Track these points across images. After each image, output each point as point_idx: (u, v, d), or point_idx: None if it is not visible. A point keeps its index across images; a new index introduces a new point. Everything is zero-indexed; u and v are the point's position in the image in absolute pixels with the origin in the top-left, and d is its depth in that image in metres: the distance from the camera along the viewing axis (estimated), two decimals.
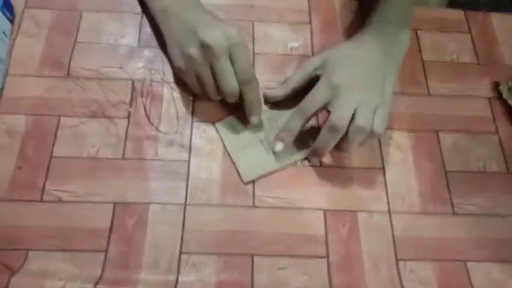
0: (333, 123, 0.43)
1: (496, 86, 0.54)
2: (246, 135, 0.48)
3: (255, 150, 0.47)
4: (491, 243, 0.45)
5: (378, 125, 0.43)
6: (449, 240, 0.45)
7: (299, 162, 0.48)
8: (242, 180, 0.46)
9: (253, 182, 0.46)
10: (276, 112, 0.50)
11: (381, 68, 0.46)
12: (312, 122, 0.49)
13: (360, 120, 0.43)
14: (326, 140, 0.44)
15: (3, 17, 0.49)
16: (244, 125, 0.48)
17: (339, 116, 0.43)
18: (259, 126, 0.48)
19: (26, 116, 0.48)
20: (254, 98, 0.46)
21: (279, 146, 0.46)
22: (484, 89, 0.54)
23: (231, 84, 0.44)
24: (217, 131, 0.48)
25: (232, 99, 0.46)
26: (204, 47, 0.43)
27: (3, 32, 0.49)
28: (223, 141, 0.48)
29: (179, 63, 0.46)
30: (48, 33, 0.52)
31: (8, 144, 0.46)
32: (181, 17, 0.47)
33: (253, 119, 0.47)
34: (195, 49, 0.44)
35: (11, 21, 0.51)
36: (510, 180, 0.49)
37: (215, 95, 0.46)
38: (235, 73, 0.44)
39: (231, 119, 0.49)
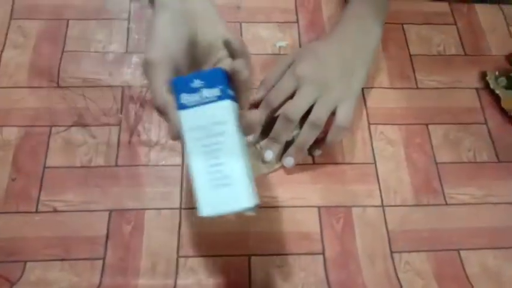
0: (286, 113, 0.43)
1: (483, 76, 0.54)
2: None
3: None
4: (484, 231, 0.46)
5: (342, 119, 0.44)
6: (442, 230, 0.46)
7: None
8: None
9: None
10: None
11: (349, 63, 0.47)
12: None
13: (313, 115, 0.43)
14: (280, 131, 0.44)
15: None
16: None
17: (294, 106, 0.43)
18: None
19: (17, 128, 0.48)
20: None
21: (269, 154, 0.45)
22: (472, 80, 0.54)
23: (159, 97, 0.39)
24: None
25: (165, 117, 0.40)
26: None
27: None
28: None
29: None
30: (35, 43, 0.52)
31: (1, 156, 0.46)
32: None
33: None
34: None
35: None
36: (501, 169, 0.49)
37: None
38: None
39: None
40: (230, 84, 0.32)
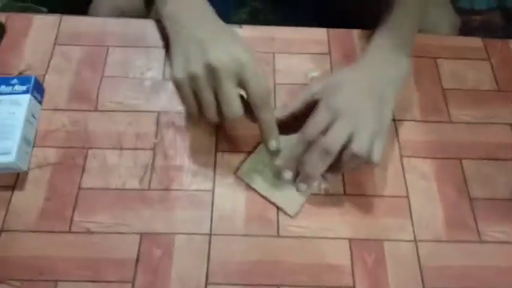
0: (325, 146, 0.42)
1: None
2: (271, 174, 0.48)
3: (286, 184, 0.47)
4: None
5: (377, 155, 0.43)
6: (476, 268, 0.45)
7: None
8: (289, 215, 0.46)
9: (277, 211, 0.47)
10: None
11: (380, 93, 0.46)
12: None
13: (355, 146, 0.42)
14: (317, 163, 0.43)
15: (34, 100, 0.50)
16: (263, 164, 0.49)
17: (333, 139, 0.43)
18: (277, 152, 0.47)
19: (55, 149, 0.49)
20: (269, 122, 0.44)
21: (288, 174, 0.45)
22: (506, 115, 0.54)
23: (234, 109, 0.42)
24: (242, 180, 0.48)
25: (231, 125, 0.44)
26: (210, 68, 0.41)
27: (33, 115, 0.50)
28: (252, 187, 0.48)
29: (179, 75, 0.43)
30: (77, 68, 0.55)
31: (38, 176, 0.48)
32: (191, 29, 0.45)
33: (272, 144, 0.45)
34: (200, 68, 0.42)
35: (41, 103, 0.52)
36: None
37: (214, 117, 0.44)
38: (248, 96, 0.43)
39: (249, 163, 0.49)
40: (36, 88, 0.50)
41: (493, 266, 0.45)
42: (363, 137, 0.43)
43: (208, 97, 0.42)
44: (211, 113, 0.43)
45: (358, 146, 0.42)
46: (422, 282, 0.44)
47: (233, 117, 0.43)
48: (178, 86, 0.44)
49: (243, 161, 0.49)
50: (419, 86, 0.55)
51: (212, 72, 0.41)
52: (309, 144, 0.44)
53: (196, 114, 0.45)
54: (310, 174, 0.44)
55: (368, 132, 0.43)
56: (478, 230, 0.47)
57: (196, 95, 0.43)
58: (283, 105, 0.49)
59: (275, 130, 0.45)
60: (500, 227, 0.47)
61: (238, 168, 0.48)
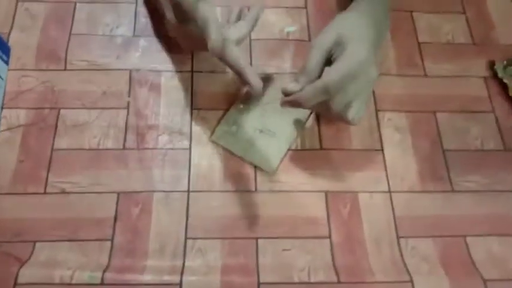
0: (327, 86, 0.40)
1: (491, 65, 0.54)
2: (246, 134, 0.48)
3: (262, 142, 0.48)
4: (490, 218, 0.46)
5: (356, 114, 0.43)
6: (448, 217, 0.46)
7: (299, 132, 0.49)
8: (268, 173, 0.46)
9: (254, 167, 0.47)
10: (265, 99, 0.50)
11: (375, 44, 0.45)
12: None
13: (352, 114, 0.42)
14: (312, 97, 0.42)
15: None
16: (237, 125, 0.48)
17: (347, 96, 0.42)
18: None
19: (25, 110, 0.48)
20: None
21: (293, 85, 0.43)
22: (480, 68, 0.54)
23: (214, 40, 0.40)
24: (218, 143, 0.48)
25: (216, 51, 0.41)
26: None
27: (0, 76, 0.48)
28: (228, 150, 0.47)
29: (172, 14, 0.45)
30: (43, 26, 0.52)
31: (10, 138, 0.46)
32: None
33: (255, 82, 0.43)
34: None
35: (7, 63, 0.49)
36: (507, 157, 0.50)
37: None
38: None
39: (222, 126, 0.48)
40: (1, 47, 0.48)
41: (465, 215, 0.46)
42: (362, 100, 0.43)
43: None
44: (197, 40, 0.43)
45: (354, 112, 0.42)
46: (396, 231, 0.45)
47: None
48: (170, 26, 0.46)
49: (219, 119, 0.49)
50: (395, 40, 0.55)
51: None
52: (324, 93, 0.41)
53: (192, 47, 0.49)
54: (302, 103, 0.42)
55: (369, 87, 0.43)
56: (450, 181, 0.48)
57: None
58: (301, 72, 0.43)
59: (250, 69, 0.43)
60: (472, 177, 0.48)
61: (212, 132, 0.48)
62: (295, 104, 0.43)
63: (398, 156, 0.49)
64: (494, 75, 0.54)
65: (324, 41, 0.43)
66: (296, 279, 0.42)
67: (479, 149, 0.50)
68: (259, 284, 0.41)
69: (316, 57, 0.43)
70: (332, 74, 0.41)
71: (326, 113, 0.44)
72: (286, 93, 0.44)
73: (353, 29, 0.43)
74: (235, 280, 0.41)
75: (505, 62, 0.54)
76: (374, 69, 0.43)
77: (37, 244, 0.42)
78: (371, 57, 0.42)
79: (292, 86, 0.43)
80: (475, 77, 0.54)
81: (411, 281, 0.42)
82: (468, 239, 0.45)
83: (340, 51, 0.42)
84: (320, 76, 0.43)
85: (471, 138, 0.50)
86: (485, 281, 0.43)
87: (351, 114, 0.42)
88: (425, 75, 0.53)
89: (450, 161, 0.49)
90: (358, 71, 0.41)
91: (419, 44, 0.55)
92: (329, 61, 0.43)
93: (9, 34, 0.51)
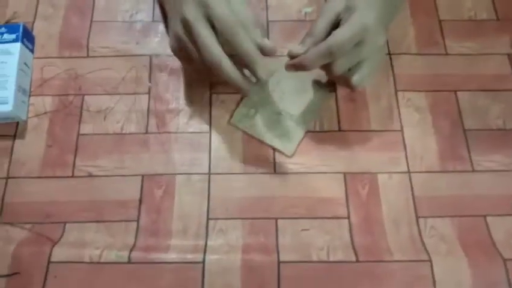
0: (331, 48, 0.41)
1: None
2: (264, 117, 0.48)
3: (280, 124, 0.48)
4: (511, 198, 0.46)
5: (364, 78, 0.44)
6: (468, 197, 0.46)
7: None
8: (287, 155, 0.47)
9: (273, 149, 0.47)
10: (274, 80, 0.50)
11: (389, 10, 0.45)
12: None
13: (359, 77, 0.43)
14: (316, 59, 0.42)
15: (25, 48, 0.49)
16: (255, 108, 0.49)
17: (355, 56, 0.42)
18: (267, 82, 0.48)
19: (51, 97, 0.50)
20: (247, 52, 0.41)
21: (299, 47, 0.43)
22: (503, 45, 0.53)
23: (211, 53, 0.40)
24: (237, 127, 0.48)
25: (220, 72, 0.41)
26: (183, 22, 0.42)
27: (25, 63, 0.49)
28: (247, 133, 0.48)
29: (171, 42, 0.45)
30: (65, 14, 0.53)
31: (38, 124, 0.48)
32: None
33: (261, 74, 0.41)
34: (179, 26, 0.42)
35: (32, 51, 0.51)
36: None
37: (201, 66, 0.43)
38: (217, 35, 0.41)
39: (241, 109, 0.49)
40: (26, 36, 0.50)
41: (485, 195, 0.46)
42: (366, 71, 0.43)
43: (193, 52, 0.42)
44: (201, 66, 0.43)
45: (358, 77, 0.43)
46: (415, 211, 0.45)
47: (213, 61, 0.41)
48: (173, 51, 0.46)
49: (238, 102, 0.49)
50: (415, 18, 0.54)
51: (186, 25, 0.41)
52: (328, 56, 0.41)
53: (196, 74, 0.48)
54: (306, 64, 0.42)
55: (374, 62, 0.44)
56: (470, 160, 0.48)
57: (187, 56, 0.43)
58: (307, 35, 0.44)
59: (258, 59, 0.41)
60: (493, 156, 0.48)
61: (231, 116, 0.49)
62: (300, 67, 0.43)
63: (418, 137, 0.48)
64: None
65: (333, 5, 0.44)
66: (315, 258, 0.43)
67: (501, 128, 0.49)
68: (279, 262, 0.42)
69: (324, 20, 0.44)
70: (336, 36, 0.41)
71: (330, 75, 0.45)
72: (291, 56, 0.44)
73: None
74: (255, 259, 0.43)
75: None
76: (381, 36, 0.43)
77: (67, 225, 0.44)
78: (378, 24, 0.42)
79: (297, 48, 0.44)
80: (498, 55, 0.53)
81: (430, 260, 0.42)
82: (488, 218, 0.45)
83: (348, 16, 0.42)
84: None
85: (492, 117, 0.49)
86: (505, 260, 0.43)
87: (355, 78, 0.43)
88: (446, 54, 0.52)
89: (471, 140, 0.48)
90: (364, 35, 0.41)
91: (440, 21, 0.54)
92: (337, 26, 0.43)
93: (33, 23, 0.53)
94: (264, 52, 0.42)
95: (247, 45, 0.41)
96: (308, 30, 0.44)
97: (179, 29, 0.43)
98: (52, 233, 0.44)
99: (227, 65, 0.41)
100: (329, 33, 0.43)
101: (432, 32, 0.53)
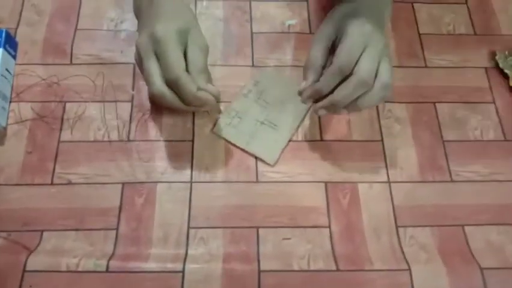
0: (363, 78, 0.41)
1: (492, 55, 0.54)
2: (247, 126, 0.49)
3: (263, 134, 0.48)
4: (489, 208, 0.47)
5: (388, 74, 0.43)
6: (447, 206, 0.47)
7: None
8: (269, 164, 0.47)
9: (255, 158, 0.48)
10: (259, 89, 0.50)
11: (380, 15, 0.46)
12: None
13: (386, 77, 0.42)
14: (351, 93, 0.41)
15: (7, 54, 0.49)
16: (238, 117, 0.49)
17: (370, 70, 0.41)
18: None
19: (33, 104, 0.49)
20: (189, 93, 0.42)
21: (322, 111, 0.44)
22: (481, 59, 0.55)
23: (153, 85, 0.42)
24: (220, 136, 0.48)
25: (163, 102, 0.43)
26: (136, 49, 0.44)
27: (7, 69, 0.49)
28: (230, 142, 0.48)
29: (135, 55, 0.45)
30: (49, 21, 0.53)
31: (18, 131, 0.48)
32: (139, 18, 0.48)
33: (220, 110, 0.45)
34: (136, 54, 0.44)
35: (14, 58, 0.51)
36: (507, 147, 0.50)
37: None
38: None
39: (224, 118, 0.49)
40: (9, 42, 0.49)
41: (464, 205, 0.47)
42: (388, 66, 0.42)
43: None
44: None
45: (387, 76, 0.42)
46: (395, 220, 0.46)
47: (156, 93, 0.42)
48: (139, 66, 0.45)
49: (221, 112, 0.50)
50: (395, 31, 0.55)
51: (138, 52, 0.43)
52: (340, 74, 0.42)
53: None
54: (340, 103, 0.42)
55: (376, 54, 0.42)
56: (449, 171, 0.48)
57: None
58: (307, 66, 0.44)
59: (212, 100, 0.43)
60: (471, 167, 0.49)
61: (214, 125, 0.49)
62: (317, 93, 0.43)
63: (398, 147, 0.49)
64: (495, 65, 0.54)
65: (324, 31, 0.44)
66: (296, 267, 0.43)
67: (479, 139, 0.50)
68: (259, 271, 0.42)
69: (317, 48, 0.44)
70: (340, 54, 0.41)
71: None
72: (301, 93, 0.44)
73: (353, 16, 0.44)
74: (236, 268, 0.42)
75: (506, 53, 0.54)
76: (380, 36, 0.43)
77: (44, 233, 0.44)
78: (373, 29, 0.42)
79: (303, 85, 0.44)
80: (476, 68, 0.54)
81: (410, 270, 0.43)
82: (466, 228, 0.46)
83: (342, 35, 0.43)
84: (324, 66, 0.44)
85: (471, 128, 0.51)
86: (482, 269, 0.43)
87: (385, 76, 0.42)
88: (426, 66, 0.54)
89: (450, 151, 0.49)
90: (365, 41, 0.41)
91: (419, 34, 0.55)
92: (333, 50, 0.43)
93: (16, 29, 0.53)
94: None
95: (193, 89, 0.42)
96: (305, 64, 0.44)
97: (136, 56, 0.44)
98: (29, 241, 0.43)
99: (169, 97, 0.42)
100: (325, 58, 0.44)
101: (412, 45, 0.55)
